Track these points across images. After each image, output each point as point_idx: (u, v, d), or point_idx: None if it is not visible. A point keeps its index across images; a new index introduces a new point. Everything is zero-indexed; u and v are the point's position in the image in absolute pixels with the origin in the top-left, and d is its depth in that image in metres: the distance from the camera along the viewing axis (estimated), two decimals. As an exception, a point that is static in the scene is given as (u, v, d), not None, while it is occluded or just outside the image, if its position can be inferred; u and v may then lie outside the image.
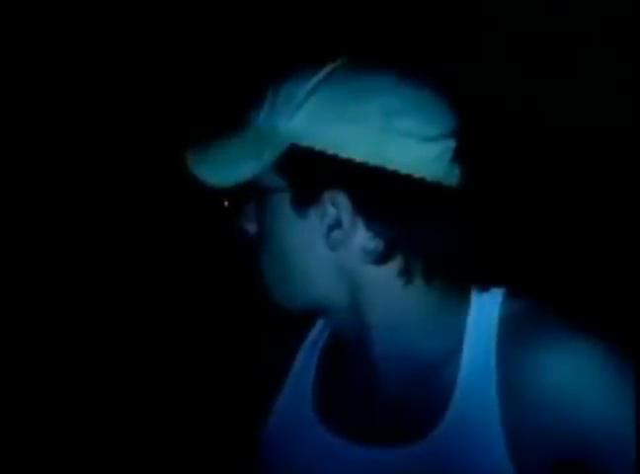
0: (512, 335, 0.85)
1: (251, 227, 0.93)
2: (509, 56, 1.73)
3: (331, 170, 0.83)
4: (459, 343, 0.88)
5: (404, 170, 0.82)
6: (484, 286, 0.90)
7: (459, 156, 0.86)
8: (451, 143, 0.85)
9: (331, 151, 0.83)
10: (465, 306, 0.90)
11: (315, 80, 0.85)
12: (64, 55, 1.98)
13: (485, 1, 1.74)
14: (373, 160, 0.82)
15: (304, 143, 0.84)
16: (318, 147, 0.83)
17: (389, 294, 0.88)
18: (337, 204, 0.84)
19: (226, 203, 0.93)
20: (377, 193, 0.83)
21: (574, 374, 0.80)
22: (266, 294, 0.92)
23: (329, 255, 0.86)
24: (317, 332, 1.06)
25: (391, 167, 0.82)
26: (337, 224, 0.84)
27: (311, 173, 0.84)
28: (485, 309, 0.89)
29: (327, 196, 0.84)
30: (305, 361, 1.04)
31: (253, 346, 1.11)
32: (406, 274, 0.86)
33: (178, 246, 2.05)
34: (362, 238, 0.85)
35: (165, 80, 1.99)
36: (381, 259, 0.85)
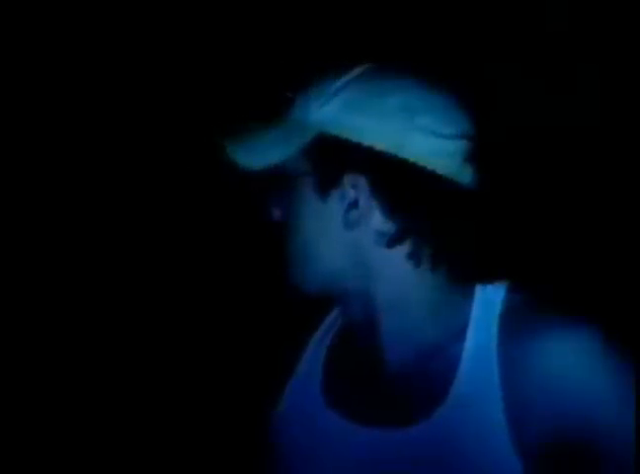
0: (513, 322, 0.89)
1: (277, 211, 0.99)
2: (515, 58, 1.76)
3: (353, 155, 0.90)
4: (463, 327, 0.92)
5: (420, 161, 0.89)
6: (488, 280, 0.95)
7: (472, 157, 0.92)
8: (465, 144, 0.91)
9: (354, 139, 0.90)
10: (470, 295, 0.94)
11: (345, 79, 0.92)
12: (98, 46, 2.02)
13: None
14: (393, 150, 0.89)
15: (331, 131, 0.91)
16: (343, 135, 0.90)
17: (398, 276, 0.93)
18: (356, 187, 0.90)
19: (255, 187, 1.00)
20: (394, 179, 0.90)
21: (571, 358, 0.84)
22: (283, 281, 0.97)
23: (345, 235, 0.92)
24: (330, 321, 1.10)
25: (408, 157, 0.89)
26: (354, 205, 0.91)
27: (335, 157, 0.91)
28: (489, 299, 0.93)
29: (348, 179, 0.90)
30: (317, 348, 1.08)
31: (266, 333, 1.15)
32: (414, 257, 0.91)
33: (194, 236, 2.07)
34: (377, 220, 0.91)
35: (210, 76, 2.04)
36: (393, 241, 0.91)
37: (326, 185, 0.92)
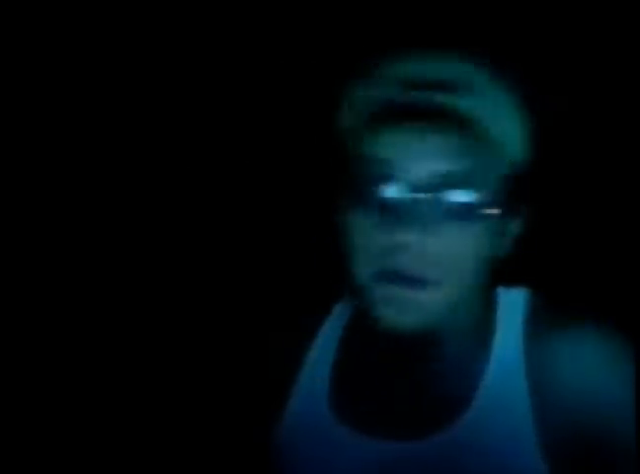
0: (538, 326, 0.89)
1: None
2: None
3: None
4: (490, 332, 0.91)
5: None
6: (510, 284, 0.94)
7: None
8: None
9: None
10: (494, 302, 0.93)
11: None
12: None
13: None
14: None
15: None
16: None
17: None
18: None
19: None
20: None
21: (596, 360, 0.84)
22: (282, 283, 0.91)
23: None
24: (334, 322, 1.04)
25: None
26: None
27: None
28: (512, 303, 0.92)
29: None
30: (321, 354, 1.01)
31: (264, 340, 1.07)
32: None
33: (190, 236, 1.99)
34: None
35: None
36: None
37: None
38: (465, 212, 0.81)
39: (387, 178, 0.81)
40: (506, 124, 0.85)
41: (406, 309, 0.82)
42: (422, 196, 0.80)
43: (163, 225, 1.96)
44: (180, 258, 1.96)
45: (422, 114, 0.80)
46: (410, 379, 0.92)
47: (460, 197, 0.81)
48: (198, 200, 1.95)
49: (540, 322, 0.89)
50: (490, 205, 0.82)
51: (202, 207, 1.94)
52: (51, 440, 1.86)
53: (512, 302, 0.92)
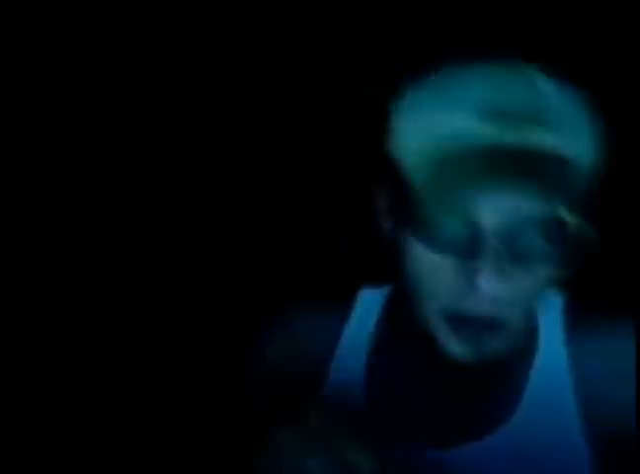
0: (577, 329, 0.91)
1: None
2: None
3: None
4: (533, 340, 0.91)
5: None
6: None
7: None
8: None
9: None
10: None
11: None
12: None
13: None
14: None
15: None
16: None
17: None
18: None
19: None
20: None
21: (634, 355, 0.87)
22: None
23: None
24: (363, 313, 1.00)
25: None
26: None
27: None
28: (550, 308, 0.93)
29: None
30: (351, 349, 0.98)
31: (293, 330, 1.04)
32: None
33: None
34: None
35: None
36: None
37: None
38: (541, 256, 0.76)
39: (458, 218, 0.75)
40: (587, 155, 0.78)
41: (476, 348, 0.81)
42: (497, 238, 0.74)
43: (182, 217, 1.95)
44: (198, 256, 1.95)
45: (502, 148, 0.73)
46: (450, 386, 0.91)
47: (539, 240, 0.76)
48: (214, 198, 1.95)
49: (580, 323, 0.91)
50: (565, 246, 0.77)
51: (221, 205, 1.94)
52: (50, 441, 1.86)
53: (550, 306, 0.93)
